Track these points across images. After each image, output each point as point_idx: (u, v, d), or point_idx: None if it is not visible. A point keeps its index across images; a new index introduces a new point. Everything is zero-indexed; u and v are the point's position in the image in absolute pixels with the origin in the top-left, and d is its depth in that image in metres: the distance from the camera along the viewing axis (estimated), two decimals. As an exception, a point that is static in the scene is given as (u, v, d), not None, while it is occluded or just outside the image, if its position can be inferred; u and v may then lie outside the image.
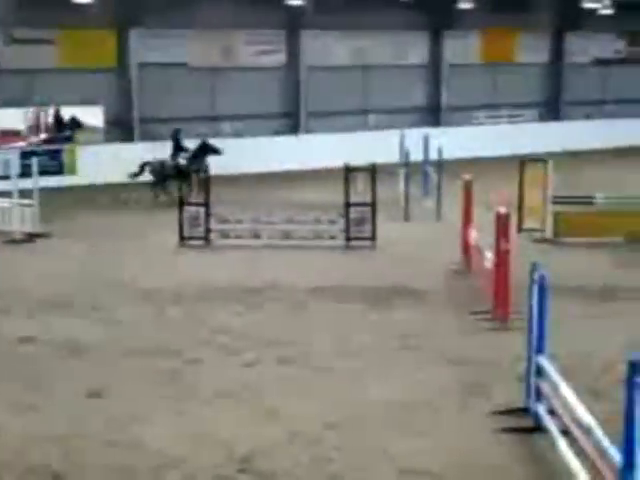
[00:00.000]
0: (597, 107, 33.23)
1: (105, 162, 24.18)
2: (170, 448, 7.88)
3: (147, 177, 21.73)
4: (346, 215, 16.45)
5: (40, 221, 17.66)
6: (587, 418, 6.58)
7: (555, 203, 16.60)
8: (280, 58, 28.43)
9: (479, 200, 15.42)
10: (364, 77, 29.56)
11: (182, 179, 20.48)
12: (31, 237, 17.35)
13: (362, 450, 7.81)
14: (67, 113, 25.34)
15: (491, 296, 11.72)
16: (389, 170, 21.24)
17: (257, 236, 16.54)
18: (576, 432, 6.95)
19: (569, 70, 32.77)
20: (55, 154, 24.61)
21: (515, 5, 30.29)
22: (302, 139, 27.82)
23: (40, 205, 17.66)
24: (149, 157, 21.60)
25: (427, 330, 11.30)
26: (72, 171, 24.60)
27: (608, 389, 8.60)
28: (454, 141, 26.13)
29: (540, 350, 8.00)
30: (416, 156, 20.89)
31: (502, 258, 11.41)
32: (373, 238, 16.36)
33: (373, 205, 16.39)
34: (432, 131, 24.81)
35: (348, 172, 16.68)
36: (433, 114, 30.83)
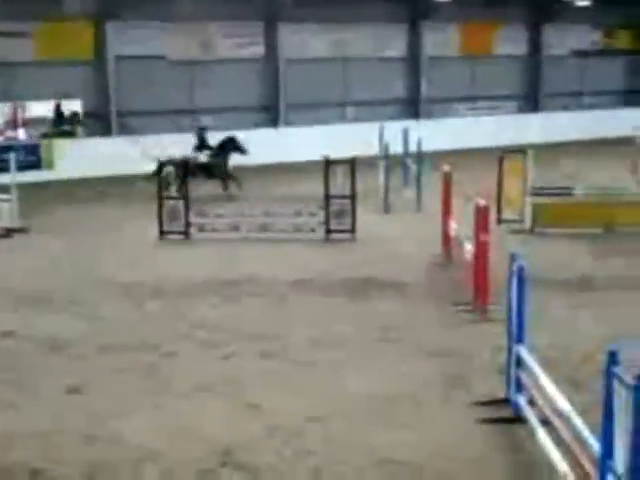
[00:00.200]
0: (575, 98, 33.40)
1: (83, 156, 24.05)
2: (150, 442, 7.86)
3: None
4: (326, 208, 16.44)
5: (18, 216, 17.54)
6: (566, 408, 6.62)
7: (534, 194, 16.67)
8: (259, 51, 28.34)
9: (459, 191, 15.46)
10: (343, 70, 29.53)
11: (206, 176, 20.40)
12: (9, 232, 17.22)
13: (344, 443, 7.82)
14: (53, 107, 25.21)
15: (471, 287, 11.76)
16: (369, 162, 21.25)
17: (237, 229, 16.50)
18: (556, 422, 6.99)
19: (547, 62, 32.89)
20: (33, 149, 24.43)
21: (493, -3, 30.42)
22: (281, 132, 27.77)
23: (18, 200, 17.54)
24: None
25: (408, 322, 11.32)
26: (50, 166, 24.44)
27: (587, 379, 8.64)
28: (433, 133, 26.19)
29: (520, 341, 8.03)
30: (396, 148, 20.93)
31: (481, 249, 11.44)
32: (353, 230, 16.37)
33: (353, 197, 16.39)
34: (411, 123, 24.84)
35: (328, 165, 16.66)
36: (412, 106, 30.85)
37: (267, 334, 10.90)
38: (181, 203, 16.52)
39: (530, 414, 7.67)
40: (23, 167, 20.62)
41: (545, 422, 7.31)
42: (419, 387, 9.09)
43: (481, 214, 11.43)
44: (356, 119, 29.21)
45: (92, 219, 18.69)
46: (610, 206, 16.47)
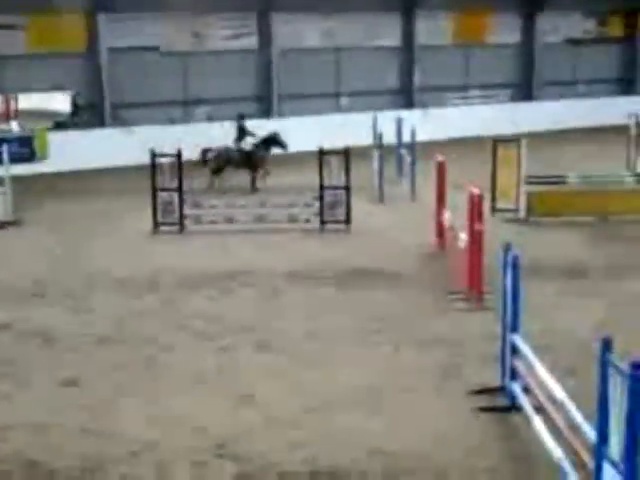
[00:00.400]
0: (569, 87, 33.36)
1: (76, 148, 23.97)
2: (145, 434, 7.87)
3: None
4: (320, 198, 16.43)
5: (12, 209, 17.48)
6: (561, 395, 6.63)
7: (528, 183, 16.67)
8: (252, 41, 28.25)
9: (453, 181, 15.45)
10: (336, 59, 29.46)
11: (247, 166, 20.32)
12: (2, 225, 17.17)
13: (338, 434, 7.83)
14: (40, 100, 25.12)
15: (465, 277, 11.77)
16: (363, 152, 21.20)
17: (231, 221, 16.48)
18: (551, 409, 7.01)
19: (540, 50, 32.84)
20: (26, 141, 24.34)
21: (486, -15, 30.37)
22: (275, 122, 27.67)
23: (11, 193, 17.49)
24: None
25: (403, 312, 11.32)
26: (43, 158, 24.35)
27: (582, 367, 8.65)
28: (428, 122, 26.15)
29: (514, 329, 8.05)
30: (389, 138, 20.92)
31: (475, 238, 11.44)
32: (347, 221, 16.36)
33: (347, 188, 16.37)
34: (405, 113, 24.79)
35: (322, 155, 16.64)
36: (406, 96, 30.80)
37: (262, 326, 10.90)
38: (175, 195, 16.47)
39: (525, 402, 7.69)
40: (16, 159, 20.53)
41: (540, 409, 7.33)
42: (414, 377, 9.11)
43: (475, 203, 11.43)
44: (349, 109, 29.15)
45: (86, 211, 18.64)
46: (604, 194, 16.48)
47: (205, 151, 20.57)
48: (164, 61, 26.65)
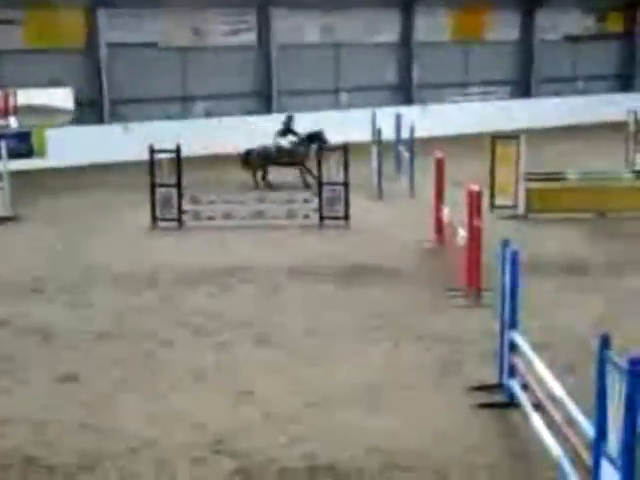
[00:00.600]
0: (568, 84, 33.34)
1: (75, 144, 23.95)
2: (144, 430, 7.87)
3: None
4: (319, 194, 16.43)
5: (10, 204, 17.47)
6: (559, 392, 6.64)
7: (527, 180, 16.67)
8: (251, 37, 28.22)
9: (452, 177, 15.45)
10: (335, 55, 29.43)
11: (288, 163, 20.24)
12: (1, 220, 17.16)
13: (338, 430, 7.83)
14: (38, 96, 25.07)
15: (464, 273, 11.77)
16: (361, 148, 21.19)
17: (230, 217, 16.47)
18: (549, 406, 7.01)
19: (539, 47, 32.82)
20: (24, 137, 24.32)
21: (485, -18, 30.34)
22: (275, 118, 27.63)
23: (10, 188, 17.48)
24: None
25: (401, 308, 11.32)
26: (42, 154, 24.33)
27: (581, 363, 8.65)
28: (426, 119, 26.13)
29: (513, 326, 8.05)
30: (388, 134, 20.91)
31: (474, 235, 11.44)
32: (347, 217, 16.36)
33: (346, 184, 16.37)
34: (403, 109, 24.78)
35: (320, 151, 16.62)
36: (405, 92, 30.78)
37: (261, 322, 10.91)
38: (174, 191, 16.46)
39: (524, 399, 7.69)
40: (14, 155, 20.51)
41: (538, 406, 7.34)
42: (413, 373, 9.11)
43: (474, 199, 11.43)
44: (349, 105, 29.13)
45: (85, 207, 18.63)
46: (603, 191, 16.48)
47: (247, 153, 20.39)
48: (163, 57, 26.62)
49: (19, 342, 10.39)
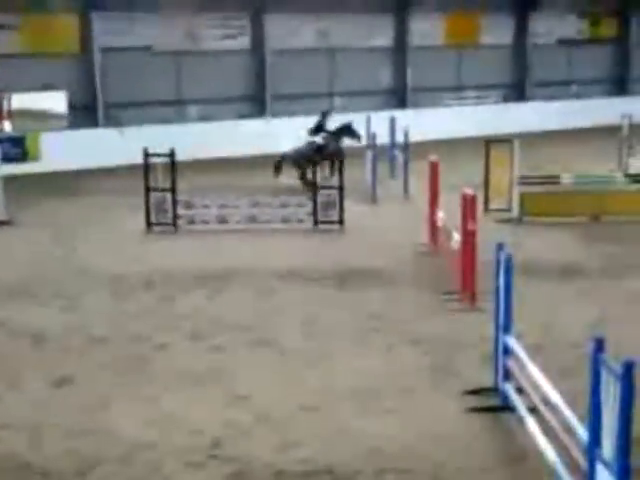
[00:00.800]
0: (562, 88, 33.41)
1: (69, 148, 23.93)
2: (140, 434, 7.85)
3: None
4: (314, 198, 16.43)
5: (4, 208, 17.45)
6: (554, 396, 6.65)
7: (521, 183, 16.70)
8: (245, 41, 28.24)
9: (446, 181, 15.46)
10: (329, 60, 29.46)
11: (321, 158, 20.13)
12: (-5, 225, 17.16)
13: (333, 433, 7.83)
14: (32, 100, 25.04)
15: (458, 277, 11.78)
16: (356, 152, 21.21)
17: (224, 221, 16.47)
18: (544, 410, 7.02)
19: (533, 51, 32.90)
20: (18, 141, 24.28)
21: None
22: (270, 122, 27.68)
23: (4, 192, 17.46)
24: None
25: (396, 312, 11.33)
26: (35, 158, 24.30)
27: (576, 367, 8.66)
28: (420, 123, 26.14)
29: (507, 330, 8.06)
30: (383, 138, 20.93)
31: (469, 239, 11.46)
32: (341, 221, 16.36)
33: (341, 188, 16.38)
34: (398, 113, 24.79)
35: (316, 154, 16.64)
36: (399, 96, 30.82)
37: (256, 325, 10.90)
38: (168, 195, 16.44)
39: (518, 402, 7.70)
40: (8, 159, 20.49)
41: (533, 410, 7.35)
42: (408, 376, 9.12)
43: (468, 203, 11.44)
44: (343, 109, 29.14)
45: (79, 211, 18.61)
46: (597, 195, 16.52)
47: (281, 158, 20.23)
48: (157, 61, 26.61)
49: (12, 345, 10.37)
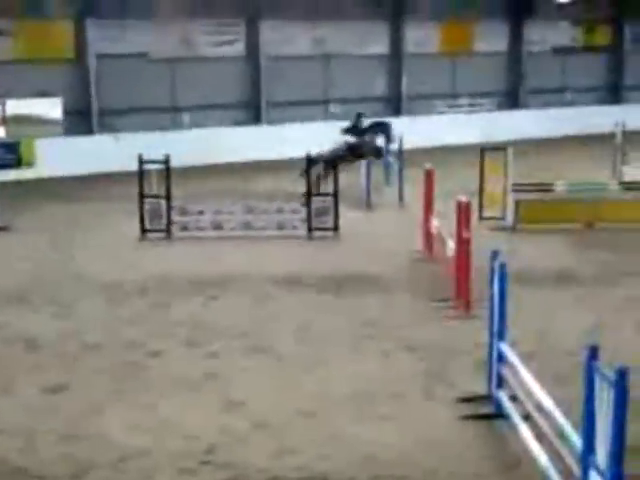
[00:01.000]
0: (556, 95, 33.51)
1: (64, 154, 23.93)
2: (132, 441, 7.85)
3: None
4: (308, 205, 16.44)
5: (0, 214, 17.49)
6: (548, 403, 6.66)
7: (515, 191, 16.74)
8: (240, 48, 28.28)
9: (440, 189, 15.49)
10: (325, 67, 29.51)
11: (357, 156, 20.08)
12: (-10, 231, 17.14)
13: (328, 440, 7.83)
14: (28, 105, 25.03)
15: (453, 284, 11.80)
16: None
17: (219, 227, 16.47)
18: (537, 417, 7.03)
19: (528, 59, 33.00)
20: (12, 147, 24.27)
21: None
22: (265, 129, 27.71)
23: (-1, 198, 17.51)
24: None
25: (390, 319, 11.35)
26: (30, 164, 24.29)
27: (570, 374, 8.68)
28: (415, 130, 26.21)
29: (501, 337, 8.08)
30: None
31: (463, 246, 11.48)
32: (336, 228, 16.37)
33: (335, 195, 16.39)
34: (393, 120, 24.82)
35: (310, 162, 16.66)
36: (394, 103, 30.89)
37: (251, 331, 10.91)
38: (163, 202, 16.43)
39: (512, 410, 7.71)
40: (3, 166, 20.48)
41: (527, 417, 7.36)
42: (403, 383, 9.13)
43: (463, 211, 11.47)
44: (338, 116, 29.17)
45: (73, 218, 18.59)
46: (591, 203, 16.57)
47: (310, 160, 20.10)
48: (152, 67, 26.62)
49: (7, 351, 10.35)
